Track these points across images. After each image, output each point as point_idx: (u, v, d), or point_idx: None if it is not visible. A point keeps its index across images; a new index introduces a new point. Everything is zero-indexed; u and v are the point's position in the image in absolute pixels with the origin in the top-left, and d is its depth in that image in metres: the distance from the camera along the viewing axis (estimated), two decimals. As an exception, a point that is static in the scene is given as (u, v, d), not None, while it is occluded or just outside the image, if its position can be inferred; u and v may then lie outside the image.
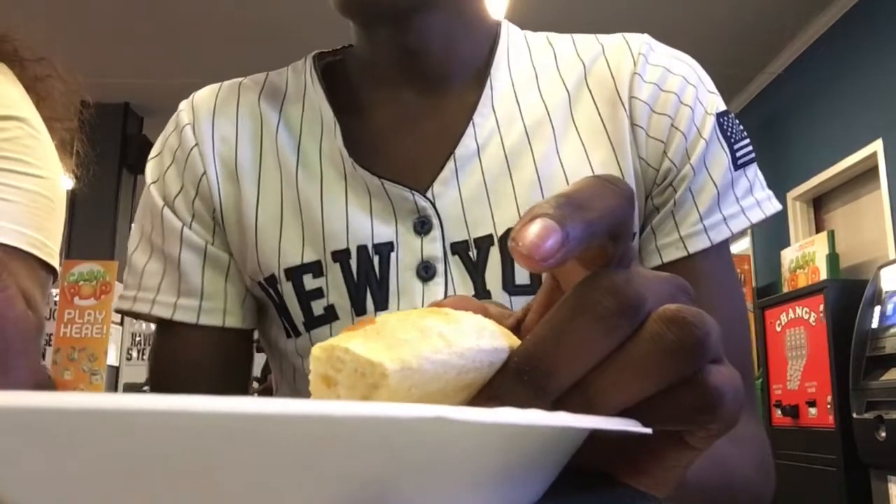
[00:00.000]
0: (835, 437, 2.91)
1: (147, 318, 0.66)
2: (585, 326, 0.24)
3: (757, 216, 0.61)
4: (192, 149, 0.65)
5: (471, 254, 0.59)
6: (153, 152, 0.70)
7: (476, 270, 0.59)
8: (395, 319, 0.24)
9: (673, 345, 0.23)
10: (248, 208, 0.63)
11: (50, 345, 4.98)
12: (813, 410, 3.09)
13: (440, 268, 0.59)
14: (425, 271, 0.59)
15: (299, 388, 0.66)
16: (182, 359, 0.64)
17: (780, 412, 3.30)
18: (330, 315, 0.61)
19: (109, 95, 4.96)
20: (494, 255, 0.59)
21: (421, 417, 0.17)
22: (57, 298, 4.92)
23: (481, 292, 0.58)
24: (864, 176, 3.90)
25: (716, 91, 0.64)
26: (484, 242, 0.59)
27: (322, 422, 0.17)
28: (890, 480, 2.62)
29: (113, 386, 5.22)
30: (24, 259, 0.72)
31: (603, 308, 0.24)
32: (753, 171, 0.63)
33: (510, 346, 0.25)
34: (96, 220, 5.08)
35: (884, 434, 2.58)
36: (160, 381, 0.65)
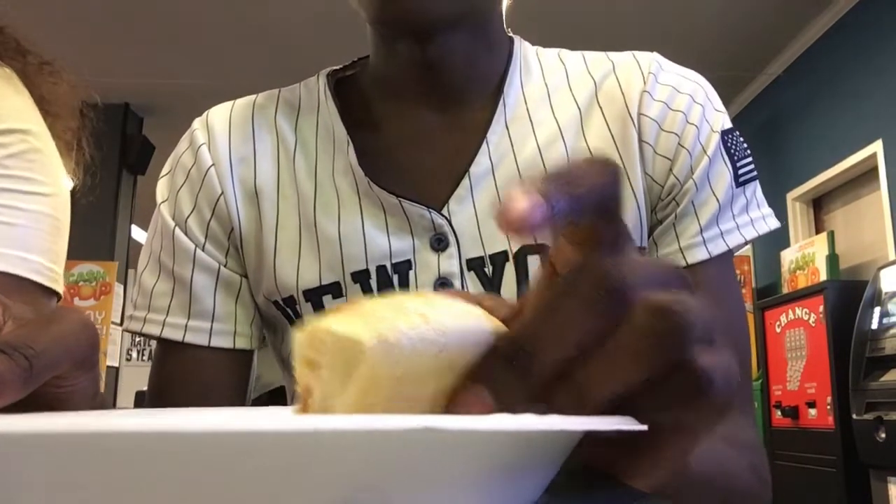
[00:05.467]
0: (835, 438, 2.91)
1: (157, 339, 0.65)
2: (570, 308, 0.24)
3: (751, 234, 0.63)
4: (208, 169, 0.65)
5: (486, 270, 0.60)
6: (164, 170, 0.69)
7: (492, 286, 0.60)
8: (377, 302, 0.24)
9: (658, 333, 0.23)
10: (267, 231, 0.63)
11: (50, 345, 4.95)
12: (813, 411, 3.09)
13: (457, 284, 0.60)
14: (443, 285, 0.60)
15: None
16: (191, 380, 0.64)
17: (779, 413, 3.30)
18: None
19: (109, 95, 4.95)
20: (509, 270, 0.60)
21: (409, 429, 0.17)
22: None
23: None
24: (864, 177, 3.90)
25: (723, 109, 0.66)
26: (499, 258, 0.60)
27: (312, 437, 0.17)
28: (890, 481, 2.62)
29: (113, 386, 5.22)
30: (24, 288, 0.70)
31: (588, 290, 0.24)
32: (753, 189, 0.64)
33: (496, 328, 0.25)
34: (96, 221, 5.07)
35: (883, 435, 2.58)
36: (165, 400, 0.64)
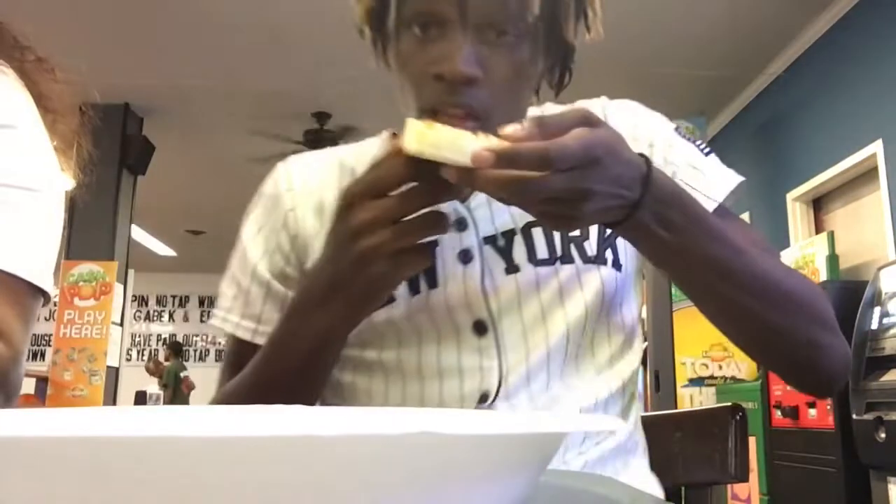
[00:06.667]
0: (835, 438, 2.90)
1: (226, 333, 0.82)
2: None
3: (735, 179, 0.77)
4: (284, 193, 0.81)
5: (499, 243, 0.75)
6: (252, 206, 0.84)
7: (504, 252, 0.75)
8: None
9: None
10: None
11: (49, 345, 4.96)
12: (813, 411, 3.09)
13: (476, 254, 0.75)
14: (464, 256, 0.75)
15: (345, 396, 0.79)
16: (239, 363, 0.77)
17: (779, 413, 3.30)
18: (388, 298, 0.72)
19: (109, 95, 4.95)
20: (518, 240, 0.75)
21: (407, 433, 0.17)
22: (57, 299, 4.91)
23: (510, 266, 0.75)
24: (864, 177, 3.90)
25: (662, 116, 0.83)
26: (508, 234, 0.75)
27: (311, 441, 0.17)
28: (890, 481, 2.62)
29: (113, 387, 5.22)
30: (4, 282, 0.70)
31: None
32: (715, 158, 0.79)
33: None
34: (96, 221, 5.07)
35: (883, 435, 2.58)
36: (224, 376, 0.80)
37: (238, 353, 0.79)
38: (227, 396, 0.76)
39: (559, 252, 0.75)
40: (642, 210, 0.59)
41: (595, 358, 0.76)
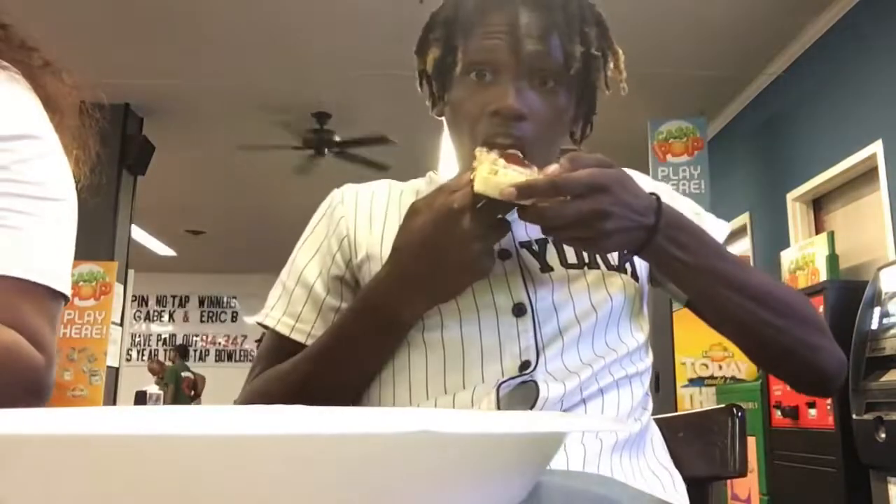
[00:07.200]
0: (835, 438, 2.90)
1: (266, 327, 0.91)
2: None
3: (725, 226, 0.93)
4: (337, 205, 0.93)
5: (534, 247, 0.86)
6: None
7: (538, 255, 0.86)
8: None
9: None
10: (374, 246, 0.88)
11: (50, 345, 4.94)
12: (813, 411, 3.09)
13: (513, 252, 0.85)
14: (503, 254, 0.85)
15: (381, 373, 0.85)
16: (275, 356, 0.88)
17: (779, 413, 3.30)
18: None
19: (109, 95, 4.91)
20: (550, 247, 0.86)
21: (408, 432, 0.17)
22: (57, 299, 4.90)
23: (545, 266, 0.85)
24: (864, 177, 3.90)
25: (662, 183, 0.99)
26: (541, 241, 0.86)
27: (313, 439, 0.17)
28: (890, 481, 2.62)
29: (113, 387, 5.21)
30: (33, 292, 0.72)
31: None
32: (710, 213, 0.95)
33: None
34: (96, 221, 5.07)
35: (883, 435, 2.58)
36: (261, 366, 0.90)
37: (277, 347, 0.89)
38: (276, 384, 0.85)
39: (586, 260, 0.86)
40: (659, 234, 0.73)
41: (623, 343, 0.85)
